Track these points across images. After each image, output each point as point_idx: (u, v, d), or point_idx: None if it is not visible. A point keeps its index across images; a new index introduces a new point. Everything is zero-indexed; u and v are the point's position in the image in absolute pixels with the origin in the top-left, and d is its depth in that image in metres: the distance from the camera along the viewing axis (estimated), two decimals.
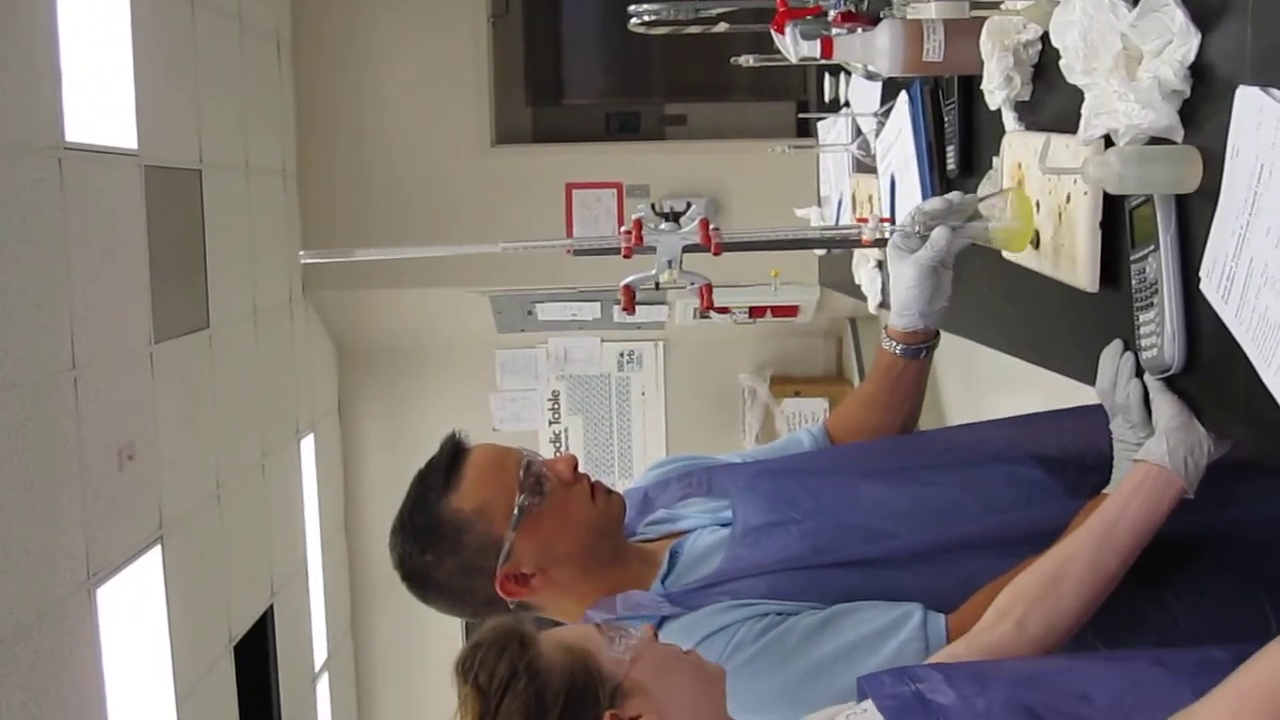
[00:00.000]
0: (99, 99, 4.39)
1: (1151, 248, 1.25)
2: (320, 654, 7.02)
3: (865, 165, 2.63)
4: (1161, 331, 1.24)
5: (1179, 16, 1.15)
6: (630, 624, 1.43)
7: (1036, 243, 1.54)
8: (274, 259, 6.20)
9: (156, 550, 4.66)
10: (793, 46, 2.01)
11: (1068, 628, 1.36)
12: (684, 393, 7.68)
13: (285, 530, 6.43)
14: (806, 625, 1.53)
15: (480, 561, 1.67)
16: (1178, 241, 1.22)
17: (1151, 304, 1.26)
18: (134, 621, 4.49)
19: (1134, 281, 1.30)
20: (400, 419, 7.47)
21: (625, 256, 1.82)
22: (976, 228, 1.64)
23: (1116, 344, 1.38)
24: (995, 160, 1.71)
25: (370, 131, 6.65)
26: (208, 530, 5.25)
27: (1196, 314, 1.21)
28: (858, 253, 2.84)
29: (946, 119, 1.99)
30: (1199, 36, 1.14)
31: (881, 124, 2.35)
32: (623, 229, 1.80)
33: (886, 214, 2.26)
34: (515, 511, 1.66)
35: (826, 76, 3.01)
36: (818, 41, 1.86)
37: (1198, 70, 1.16)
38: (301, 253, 2.63)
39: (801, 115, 6.81)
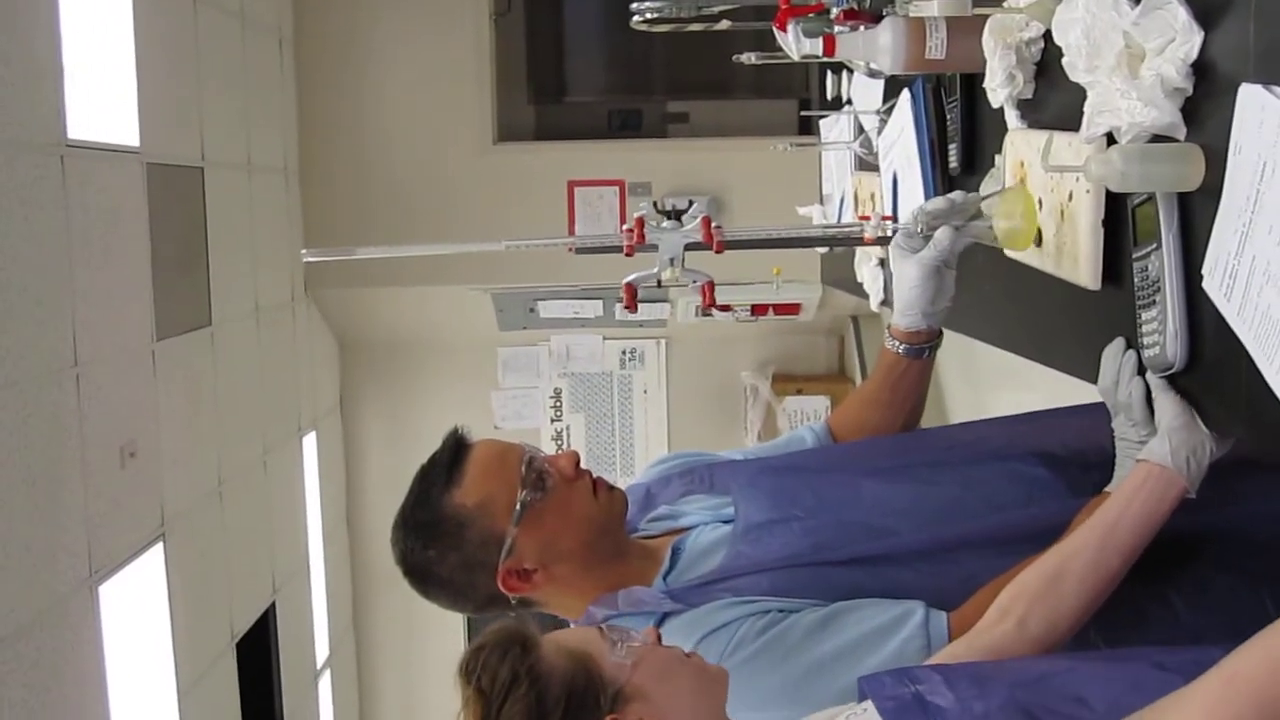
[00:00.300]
0: (101, 96, 4.39)
1: (1154, 246, 1.25)
2: (322, 651, 7.02)
3: (867, 163, 2.62)
4: (1163, 329, 1.24)
5: (1181, 14, 1.15)
6: (633, 625, 1.44)
7: (1039, 241, 1.54)
8: (276, 257, 6.21)
9: (158, 547, 4.66)
10: (795, 44, 2.01)
11: (1069, 627, 1.36)
12: (686, 391, 7.68)
13: (287, 528, 6.44)
14: (808, 623, 1.53)
15: (482, 557, 1.67)
16: (1180, 239, 1.22)
17: (1154, 302, 1.26)
18: (136, 619, 4.49)
19: (1136, 279, 1.30)
20: (402, 417, 7.47)
21: (627, 254, 1.82)
22: (979, 227, 1.64)
23: (1118, 342, 1.38)
24: (997, 158, 1.71)
25: (372, 129, 6.65)
26: (209, 527, 5.26)
27: (1198, 312, 1.21)
28: (860, 251, 2.84)
29: (949, 117, 1.99)
30: (1201, 34, 1.14)
31: (884, 122, 2.34)
32: (625, 227, 1.80)
33: (889, 212, 2.26)
34: (517, 507, 1.66)
35: (829, 74, 3.01)
36: (820, 39, 1.87)
37: (1200, 68, 1.16)
38: (304, 251, 2.62)
39: (804, 113, 6.81)
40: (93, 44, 4.30)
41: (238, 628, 5.57)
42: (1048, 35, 1.50)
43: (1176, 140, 1.19)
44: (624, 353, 7.66)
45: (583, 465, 1.75)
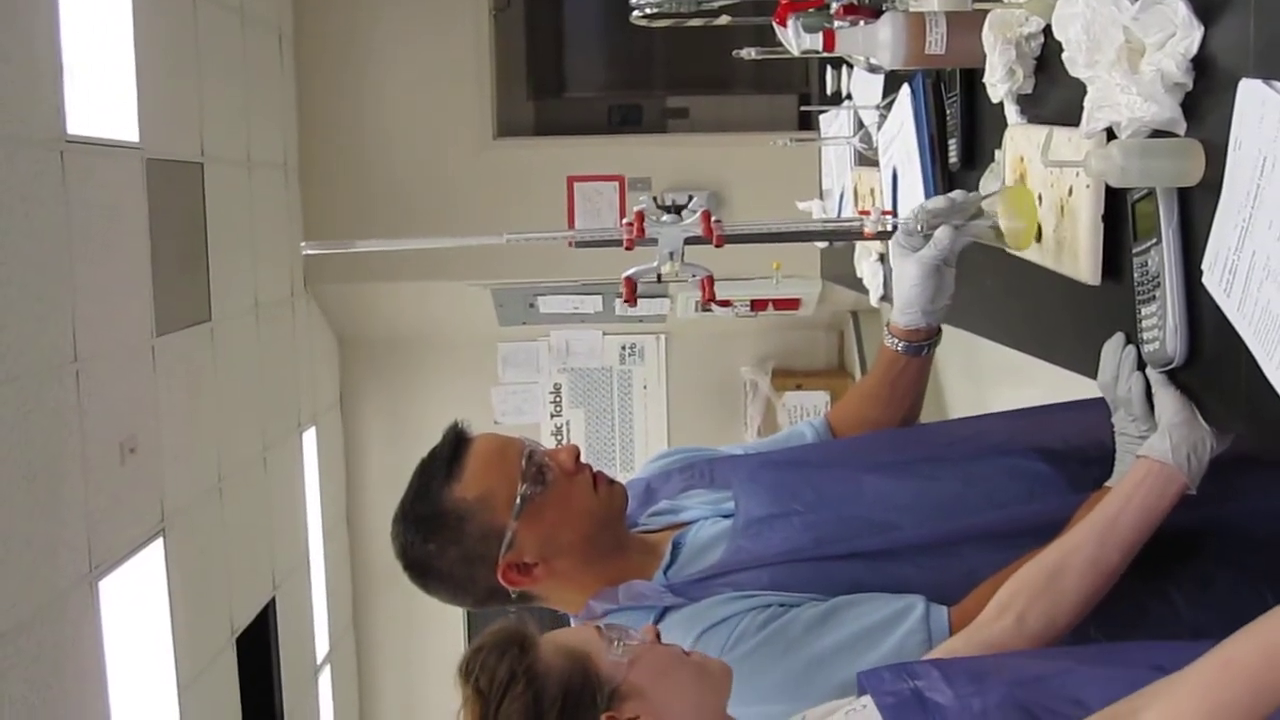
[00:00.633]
0: (101, 92, 4.39)
1: (1153, 241, 1.25)
2: (322, 647, 7.03)
3: (867, 158, 2.62)
4: (1163, 325, 1.24)
5: (1181, 9, 1.15)
6: (633, 620, 1.44)
7: (1039, 236, 1.54)
8: (276, 252, 6.21)
9: (158, 543, 4.66)
10: (795, 39, 2.01)
11: (1068, 622, 1.37)
12: (685, 386, 7.68)
13: (287, 523, 6.44)
14: (809, 617, 1.54)
15: (482, 551, 1.67)
16: (1180, 235, 1.22)
17: (1153, 297, 1.26)
18: (136, 614, 4.50)
19: (1136, 275, 1.30)
20: (402, 412, 7.47)
21: (627, 249, 1.82)
22: (980, 226, 1.64)
23: (1118, 337, 1.38)
24: (997, 153, 1.71)
25: (372, 125, 6.65)
26: (209, 523, 5.26)
27: (1198, 307, 1.21)
28: (859, 246, 2.84)
29: (949, 112, 1.99)
30: (1201, 29, 1.14)
31: (883, 117, 2.34)
32: (624, 221, 1.80)
33: (888, 207, 2.26)
34: (518, 500, 1.66)
35: (828, 69, 3.01)
36: (820, 34, 1.86)
37: (1200, 63, 1.16)
38: (303, 244, 2.62)
39: (803, 108, 6.80)
40: (92, 40, 4.29)
41: (238, 623, 5.58)
42: (1047, 30, 1.50)
43: (1176, 135, 1.19)
44: (624, 348, 7.66)
45: (583, 460, 1.75)
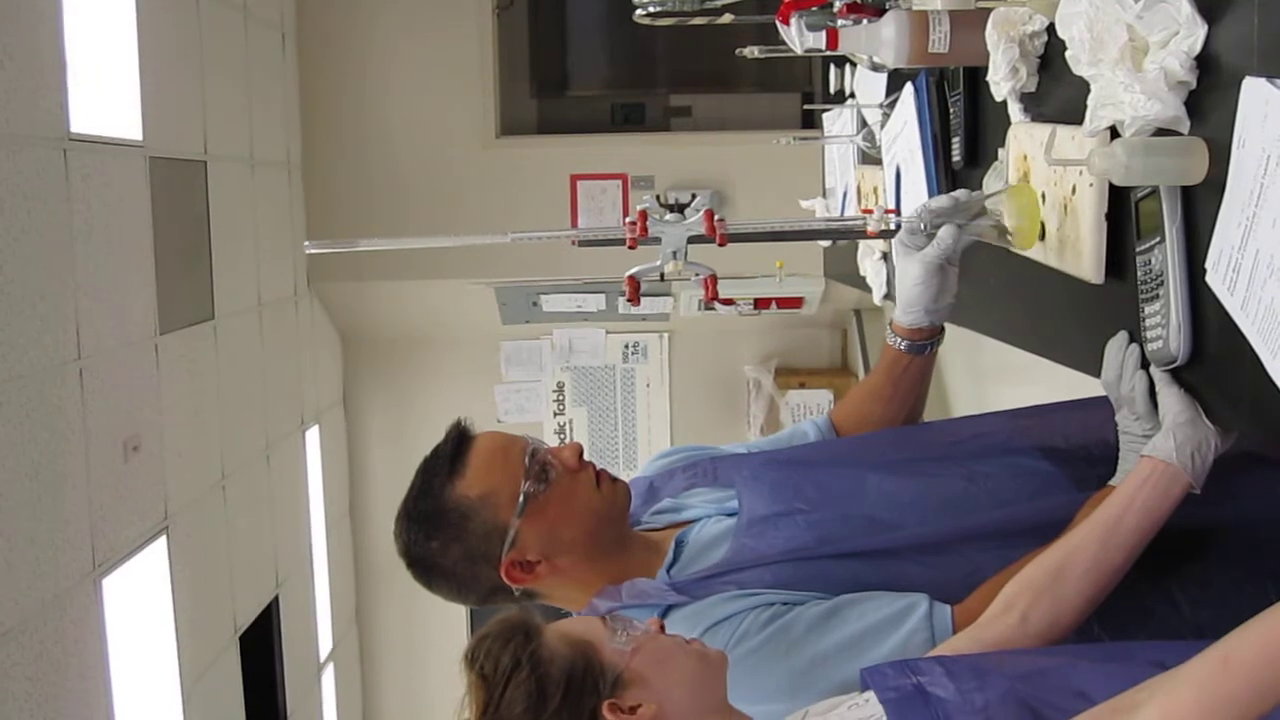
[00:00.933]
0: (104, 90, 4.39)
1: (1157, 239, 1.25)
2: (325, 644, 7.03)
3: (870, 157, 2.62)
4: (1167, 323, 1.24)
5: (1185, 7, 1.15)
6: (637, 615, 1.44)
7: (1042, 235, 1.54)
8: (279, 251, 6.21)
9: (162, 541, 4.67)
10: (798, 38, 2.01)
11: (1071, 621, 1.37)
12: (689, 384, 7.68)
13: (290, 521, 6.44)
14: (812, 615, 1.54)
15: (485, 548, 1.67)
16: (1183, 233, 1.22)
17: (1157, 296, 1.26)
18: (139, 612, 4.50)
19: (1139, 273, 1.30)
20: (405, 410, 7.48)
21: (630, 248, 1.82)
22: (983, 225, 1.64)
23: (1122, 336, 1.38)
24: (1001, 152, 1.71)
25: (375, 123, 6.65)
26: (213, 521, 5.26)
27: (1202, 306, 1.21)
28: (862, 244, 2.84)
29: (952, 110, 1.99)
30: (1205, 27, 1.14)
31: (887, 115, 2.34)
32: (628, 220, 1.80)
33: (891, 206, 2.26)
34: (520, 498, 1.66)
35: (832, 68, 3.01)
36: (823, 33, 1.86)
37: (1204, 61, 1.16)
38: (307, 242, 2.63)
39: (807, 107, 6.82)
40: (96, 38, 4.30)
41: (241, 621, 5.58)
42: (1051, 28, 1.50)
43: (1180, 134, 1.19)
44: (626, 346, 7.66)
45: (585, 458, 1.75)
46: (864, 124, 2.67)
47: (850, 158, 2.91)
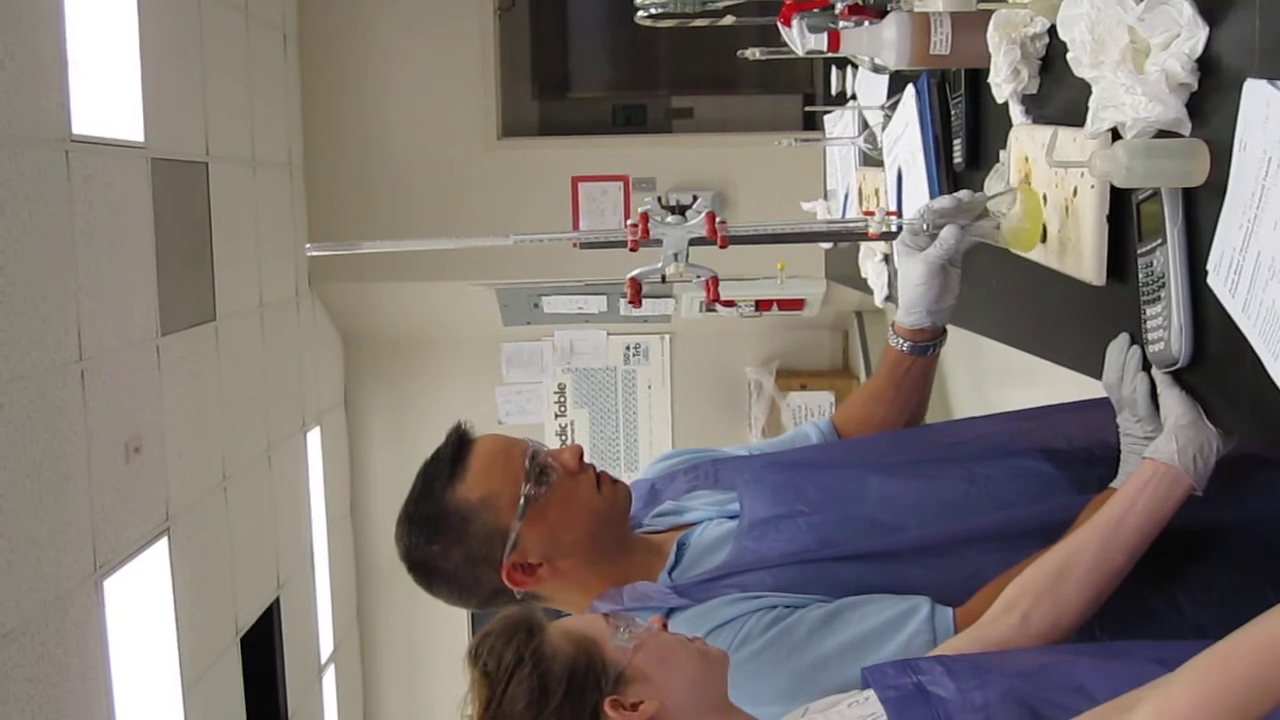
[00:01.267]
0: (106, 91, 4.40)
1: (1158, 241, 1.25)
2: (326, 645, 7.03)
3: (872, 159, 2.62)
4: (1168, 325, 1.24)
5: (1186, 9, 1.15)
6: (640, 615, 1.45)
7: (1044, 237, 1.54)
8: (280, 252, 6.21)
9: (163, 542, 4.67)
10: (799, 39, 2.01)
11: (1072, 622, 1.37)
12: (690, 386, 7.68)
13: (291, 522, 6.44)
14: (814, 618, 1.53)
15: (486, 551, 1.67)
16: (1185, 235, 1.22)
17: (1158, 298, 1.26)
18: (140, 613, 4.50)
19: (1141, 275, 1.30)
20: (406, 412, 7.48)
21: (631, 249, 1.82)
22: (985, 226, 1.64)
23: (1123, 338, 1.38)
24: (1002, 154, 1.70)
25: (376, 124, 6.65)
26: (214, 522, 5.26)
27: (1203, 308, 1.20)
28: (864, 246, 2.84)
29: (953, 112, 1.98)
30: (1206, 29, 1.14)
31: (888, 117, 2.34)
32: (629, 222, 1.80)
33: (893, 207, 2.26)
34: (521, 501, 1.66)
35: (833, 70, 3.01)
36: (824, 34, 1.86)
37: (1205, 63, 1.16)
38: (308, 245, 2.61)
39: (808, 108, 6.81)
40: (97, 39, 4.30)
41: (242, 622, 5.58)
42: (1052, 30, 1.50)
43: (1181, 136, 1.19)
44: (628, 348, 7.66)
45: (586, 460, 1.75)
46: (865, 126, 2.67)
47: (852, 159, 2.91)
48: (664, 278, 1.84)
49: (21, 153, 3.76)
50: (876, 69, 2.20)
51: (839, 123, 3.07)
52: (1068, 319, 1.61)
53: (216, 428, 5.32)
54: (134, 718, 4.34)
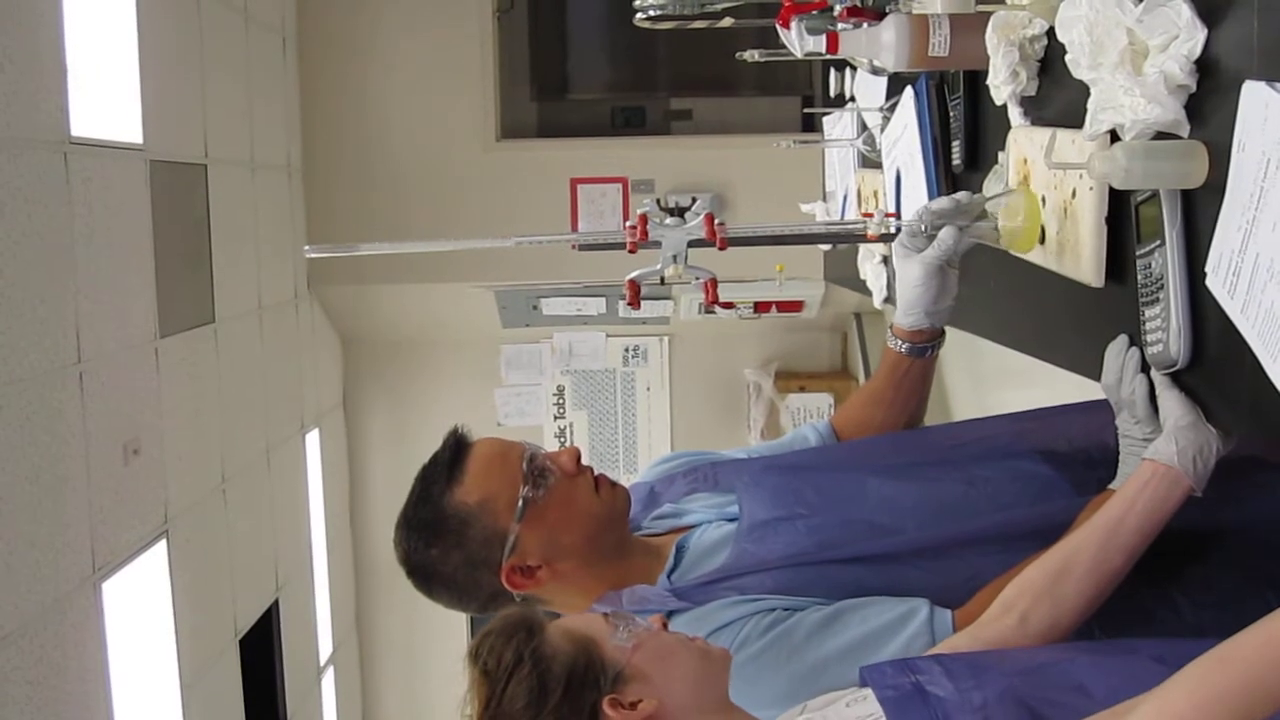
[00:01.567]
0: (104, 93, 4.40)
1: (1157, 243, 1.24)
2: (325, 648, 7.03)
3: (870, 160, 2.62)
4: (1167, 327, 1.24)
5: (1185, 11, 1.15)
6: (639, 616, 1.45)
7: (1042, 238, 1.54)
8: (279, 254, 6.21)
9: (162, 544, 4.66)
10: (798, 41, 2.01)
11: (1071, 623, 1.37)
12: (689, 388, 7.68)
13: (290, 525, 6.44)
14: (813, 621, 1.53)
15: (485, 555, 1.67)
16: (1183, 237, 1.22)
17: (1157, 299, 1.26)
18: (139, 616, 4.50)
19: (1140, 277, 1.30)
20: (405, 414, 7.48)
21: (630, 251, 1.82)
22: (983, 227, 1.64)
23: (1122, 339, 1.38)
24: (1001, 155, 1.71)
25: (375, 126, 6.65)
26: (213, 525, 5.26)
27: (1202, 309, 1.20)
28: (863, 248, 2.84)
29: (952, 114, 1.99)
30: (1205, 31, 1.14)
31: (887, 119, 2.34)
32: (628, 224, 1.80)
33: (892, 209, 2.26)
34: (519, 504, 1.66)
35: (832, 71, 3.01)
36: (823, 36, 1.86)
37: (1204, 65, 1.16)
38: (307, 247, 2.62)
39: (807, 110, 6.81)
40: (96, 41, 4.30)
41: (241, 625, 5.58)
42: (1051, 32, 1.50)
43: (1180, 137, 1.19)
44: (627, 350, 7.66)
45: (584, 462, 1.75)
46: (864, 127, 2.68)
47: (850, 161, 2.91)
48: (663, 279, 1.84)
49: (20, 155, 3.76)
50: (875, 71, 2.21)
51: (838, 124, 3.08)
52: (1066, 321, 1.61)
53: (215, 430, 5.32)
54: None
